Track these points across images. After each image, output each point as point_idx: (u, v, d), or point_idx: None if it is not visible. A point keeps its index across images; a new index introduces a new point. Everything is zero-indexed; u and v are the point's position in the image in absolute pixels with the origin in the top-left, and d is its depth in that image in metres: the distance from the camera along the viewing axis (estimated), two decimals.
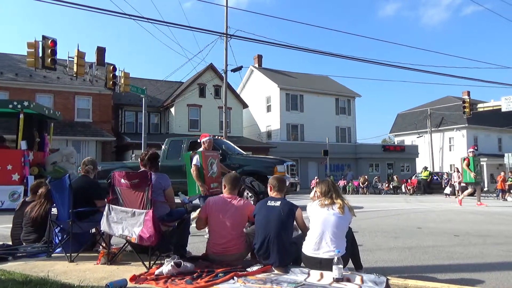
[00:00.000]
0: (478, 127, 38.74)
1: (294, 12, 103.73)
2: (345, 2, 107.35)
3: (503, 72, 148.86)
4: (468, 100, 24.12)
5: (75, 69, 14.93)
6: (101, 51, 27.70)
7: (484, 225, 7.38)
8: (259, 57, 37.20)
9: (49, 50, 13.32)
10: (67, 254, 4.38)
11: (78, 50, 14.88)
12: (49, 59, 13.32)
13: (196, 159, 6.14)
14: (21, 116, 10.94)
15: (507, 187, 20.71)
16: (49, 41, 13.35)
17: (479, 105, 26.29)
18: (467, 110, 23.56)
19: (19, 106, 10.92)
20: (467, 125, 37.43)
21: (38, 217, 4.95)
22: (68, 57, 15.63)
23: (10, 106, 11.08)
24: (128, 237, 3.99)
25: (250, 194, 9.48)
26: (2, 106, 11.62)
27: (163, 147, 11.31)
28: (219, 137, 13.76)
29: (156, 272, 3.57)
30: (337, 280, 3.18)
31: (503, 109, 23.54)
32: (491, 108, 25.43)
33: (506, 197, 20.24)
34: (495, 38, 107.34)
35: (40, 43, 13.31)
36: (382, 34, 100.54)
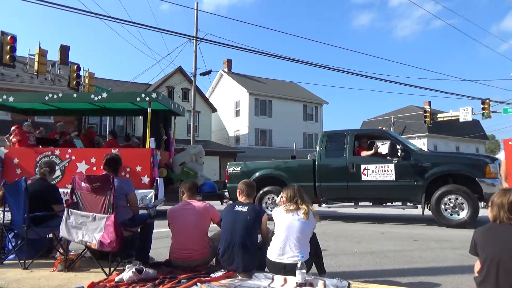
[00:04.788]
0: (438, 135, 40.45)
1: (271, 19, 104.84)
2: (321, 11, 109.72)
3: (461, 84, 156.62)
4: (429, 110, 25.24)
5: (35, 67, 14.39)
6: (64, 50, 26.78)
7: (441, 231, 7.68)
8: (229, 62, 37.23)
9: (8, 47, 12.79)
10: (21, 261, 4.16)
11: (39, 47, 14.34)
12: (8, 56, 12.78)
13: None
14: (149, 110, 9.44)
15: None
16: (8, 37, 12.82)
17: (439, 115, 27.52)
18: (428, 119, 24.63)
19: (147, 98, 9.38)
20: (427, 133, 39.01)
21: None
22: (29, 54, 15.04)
23: (138, 98, 9.54)
24: (88, 243, 3.85)
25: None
26: (128, 99, 10.10)
27: (318, 142, 9.42)
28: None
29: (116, 279, 3.46)
30: (300, 285, 3.20)
31: (461, 119, 24.78)
32: (450, 118, 26.67)
33: None
34: (456, 52, 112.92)
35: None
36: (356, 42, 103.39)
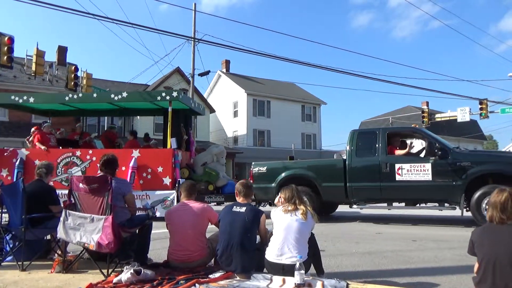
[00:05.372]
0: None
1: (270, 19, 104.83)
2: (320, 11, 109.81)
3: (458, 84, 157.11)
4: (427, 110, 25.26)
5: (33, 68, 14.34)
6: (62, 51, 26.53)
7: (439, 231, 7.69)
8: (227, 62, 37.19)
9: (6, 48, 12.72)
10: (19, 263, 4.15)
11: (37, 48, 14.30)
12: (5, 57, 12.72)
13: None
14: (170, 109, 9.31)
15: None
16: (6, 38, 12.76)
17: (437, 115, 27.59)
18: (425, 119, 24.67)
19: (168, 97, 9.19)
20: None
21: None
22: (27, 55, 15.00)
23: (159, 98, 9.30)
24: (86, 244, 3.84)
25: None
26: (148, 99, 9.91)
27: (348, 141, 9.02)
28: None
29: (115, 280, 3.46)
30: (299, 286, 3.20)
31: (459, 120, 24.84)
32: (448, 118, 26.73)
33: None
34: (454, 52, 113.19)
35: None
36: (354, 43, 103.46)
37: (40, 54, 14.37)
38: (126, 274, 3.44)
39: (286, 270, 3.45)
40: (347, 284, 3.40)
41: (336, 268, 4.51)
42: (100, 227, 3.78)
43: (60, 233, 3.99)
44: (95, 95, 10.20)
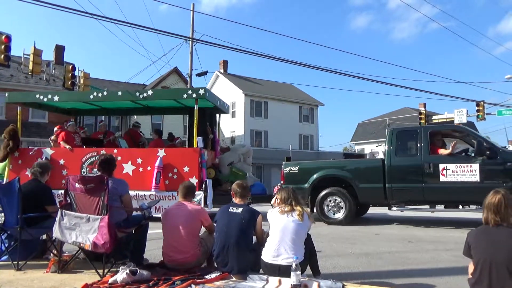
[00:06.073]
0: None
1: (269, 20, 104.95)
2: (318, 12, 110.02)
3: (456, 86, 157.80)
4: (424, 111, 25.33)
5: (30, 67, 14.28)
6: (59, 50, 26.63)
7: (435, 232, 7.71)
8: (225, 63, 37.21)
9: (3, 46, 12.69)
10: (14, 262, 4.13)
11: (34, 47, 14.25)
12: (2, 56, 12.68)
13: None
14: (196, 107, 9.01)
15: None
16: (3, 37, 12.72)
17: (434, 117, 27.67)
18: (423, 121, 24.71)
19: (194, 95, 8.92)
20: None
21: None
22: (24, 54, 14.94)
23: (185, 95, 9.02)
24: (81, 244, 3.83)
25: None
26: (174, 96, 9.61)
27: (386, 140, 8.66)
28: None
29: (110, 280, 3.45)
30: (295, 287, 3.20)
31: (456, 121, 24.88)
32: (445, 120, 26.80)
33: None
34: (451, 54, 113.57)
35: None
36: (353, 44, 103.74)
37: (37, 53, 14.32)
38: (121, 275, 3.44)
39: (282, 271, 3.45)
40: (343, 285, 3.40)
41: (332, 269, 4.51)
42: (96, 227, 3.77)
43: (56, 233, 3.98)
44: (120, 93, 9.92)
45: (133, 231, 4.27)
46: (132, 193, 8.41)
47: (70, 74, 15.87)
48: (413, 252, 5.63)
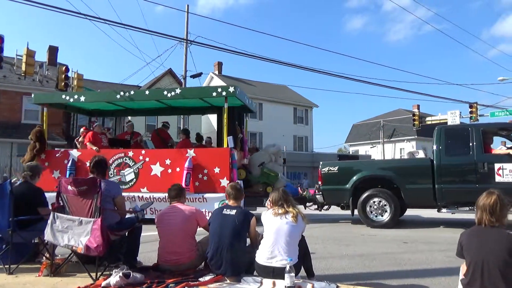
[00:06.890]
0: (427, 139, 40.79)
1: (265, 22, 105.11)
2: (314, 14, 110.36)
3: (449, 88, 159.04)
4: (417, 113, 25.48)
5: (23, 68, 14.16)
6: (53, 51, 26.46)
7: (430, 233, 7.74)
8: (219, 64, 37.20)
9: None
10: (6, 266, 4.08)
11: (27, 48, 14.13)
12: None
13: None
14: (225, 106, 8.70)
15: None
16: None
17: (427, 118, 27.81)
18: (416, 122, 24.89)
19: (224, 93, 8.61)
20: (416, 136, 39.41)
21: None
22: (17, 55, 14.81)
23: (214, 94, 8.72)
24: (74, 247, 3.79)
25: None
26: (203, 95, 9.27)
27: (434, 139, 8.26)
28: None
29: (103, 283, 3.42)
30: None
31: (449, 123, 24.98)
32: (438, 121, 26.94)
33: None
34: (445, 56, 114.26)
35: None
36: (348, 46, 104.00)
37: (30, 54, 14.20)
38: (115, 278, 3.41)
39: (276, 273, 3.44)
40: (337, 287, 3.40)
41: (326, 270, 4.51)
42: (88, 230, 3.73)
43: (48, 236, 3.93)
44: (147, 92, 9.71)
45: (126, 233, 4.23)
46: (161, 195, 8.31)
47: (63, 76, 15.76)
48: (408, 253, 5.65)
